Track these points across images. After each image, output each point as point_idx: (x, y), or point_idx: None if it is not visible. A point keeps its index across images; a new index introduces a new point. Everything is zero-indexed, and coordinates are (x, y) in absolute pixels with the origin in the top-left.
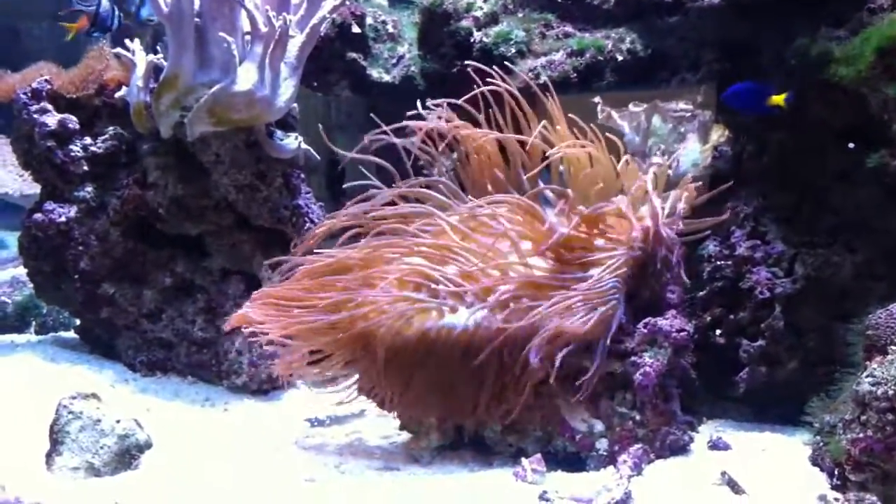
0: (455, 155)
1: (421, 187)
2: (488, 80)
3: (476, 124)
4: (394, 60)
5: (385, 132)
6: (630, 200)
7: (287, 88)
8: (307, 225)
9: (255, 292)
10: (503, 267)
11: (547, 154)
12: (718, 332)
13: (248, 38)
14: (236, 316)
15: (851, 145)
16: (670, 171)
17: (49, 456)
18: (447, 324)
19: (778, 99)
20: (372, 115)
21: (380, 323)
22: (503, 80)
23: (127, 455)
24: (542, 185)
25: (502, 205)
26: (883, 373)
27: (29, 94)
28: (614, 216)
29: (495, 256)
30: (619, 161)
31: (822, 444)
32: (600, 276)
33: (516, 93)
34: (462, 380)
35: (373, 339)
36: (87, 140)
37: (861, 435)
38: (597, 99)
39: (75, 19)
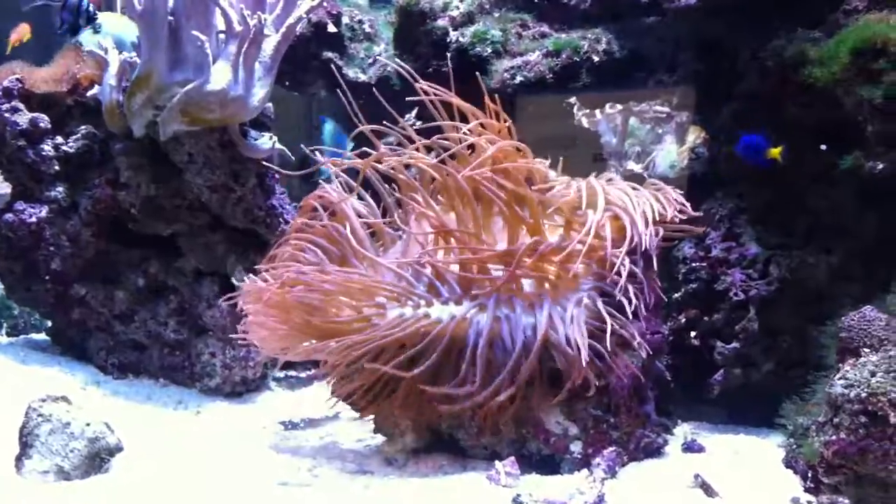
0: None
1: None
2: None
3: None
4: (370, 60)
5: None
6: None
7: (261, 88)
8: (281, 225)
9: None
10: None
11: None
12: (693, 334)
13: (222, 36)
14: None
15: (824, 147)
16: (645, 173)
17: (18, 459)
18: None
19: (775, 152)
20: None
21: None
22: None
23: (97, 458)
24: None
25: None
26: (855, 375)
27: (0, 93)
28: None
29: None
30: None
31: (795, 446)
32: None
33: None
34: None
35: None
36: (59, 139)
37: (834, 437)
38: (573, 100)
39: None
